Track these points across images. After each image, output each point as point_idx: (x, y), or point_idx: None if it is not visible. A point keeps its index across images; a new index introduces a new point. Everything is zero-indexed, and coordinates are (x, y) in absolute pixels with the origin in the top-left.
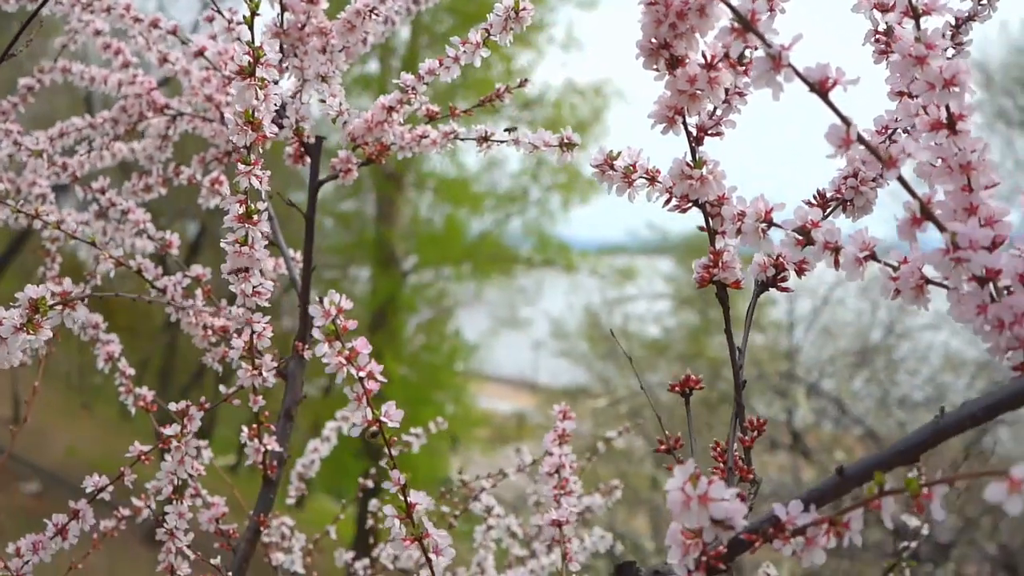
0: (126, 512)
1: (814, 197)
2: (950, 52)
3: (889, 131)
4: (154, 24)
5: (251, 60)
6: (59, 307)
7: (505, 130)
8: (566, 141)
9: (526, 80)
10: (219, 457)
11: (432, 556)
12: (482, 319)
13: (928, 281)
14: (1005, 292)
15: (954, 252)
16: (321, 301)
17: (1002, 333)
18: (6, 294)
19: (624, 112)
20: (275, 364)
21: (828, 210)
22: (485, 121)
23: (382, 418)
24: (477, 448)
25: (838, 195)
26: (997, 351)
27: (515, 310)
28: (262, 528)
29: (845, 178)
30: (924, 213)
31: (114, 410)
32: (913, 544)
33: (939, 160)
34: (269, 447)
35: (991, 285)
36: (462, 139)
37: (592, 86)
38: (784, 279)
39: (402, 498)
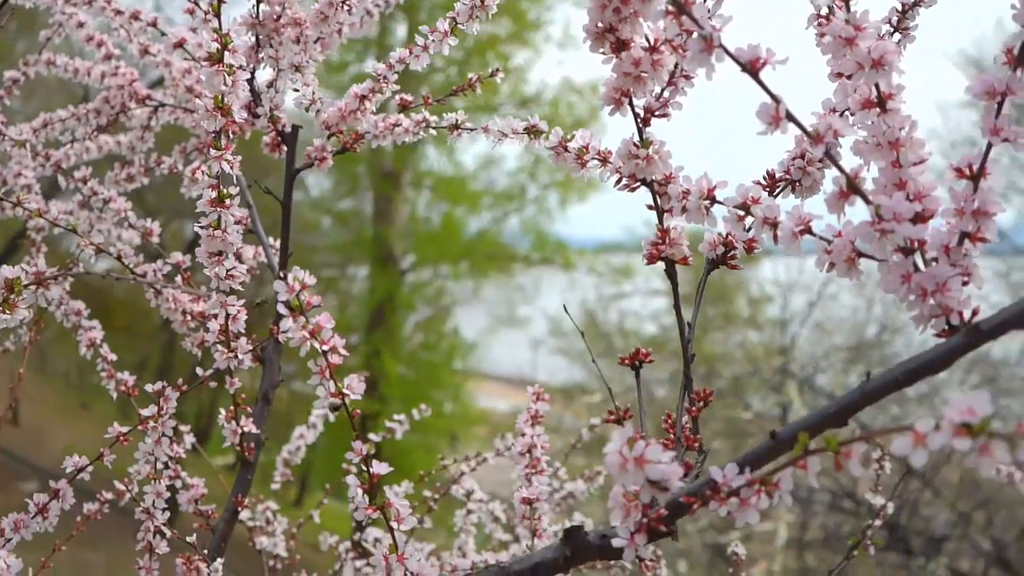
0: (108, 495)
1: (763, 177)
2: (896, 37)
3: (837, 114)
4: (135, 16)
5: (219, 47)
6: (33, 287)
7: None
8: (531, 128)
9: (498, 70)
10: (217, 457)
11: (394, 525)
12: (480, 317)
13: (860, 254)
14: (933, 263)
15: (879, 224)
16: (286, 278)
17: (925, 301)
18: None
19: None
20: (250, 347)
21: (777, 190)
22: (482, 120)
23: (344, 390)
24: (476, 446)
25: (787, 176)
26: (921, 319)
27: (513, 308)
28: (240, 508)
29: (793, 159)
30: (851, 187)
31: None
32: (877, 522)
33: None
34: (246, 429)
35: (916, 256)
36: (434, 127)
37: (589, 84)
38: (733, 257)
39: (364, 468)
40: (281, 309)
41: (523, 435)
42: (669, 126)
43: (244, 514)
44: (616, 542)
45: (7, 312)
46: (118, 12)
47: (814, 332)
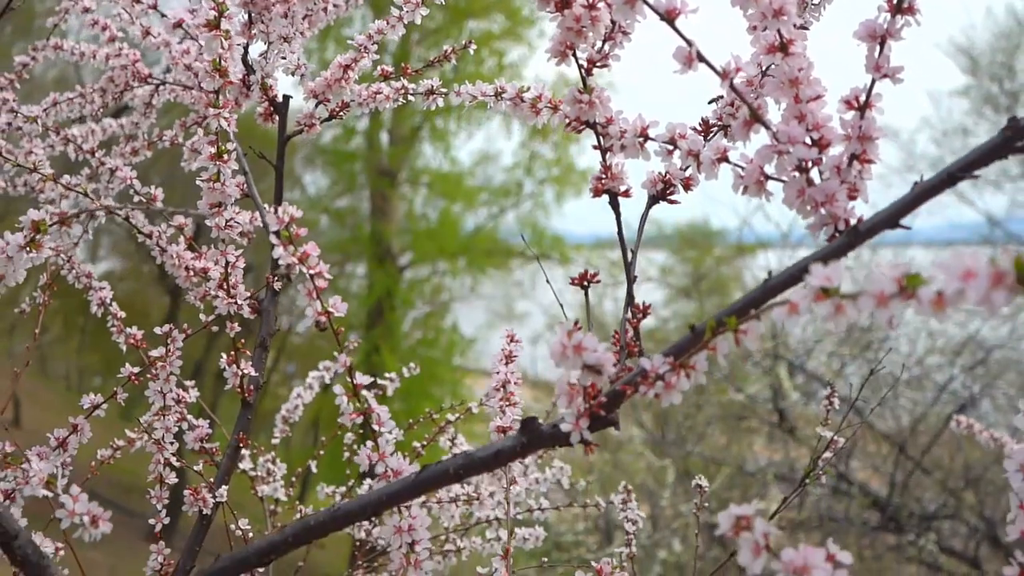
0: (120, 442)
1: (699, 123)
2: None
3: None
4: (136, 0)
5: (216, 14)
6: (57, 225)
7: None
8: (499, 91)
9: (470, 42)
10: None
11: (376, 428)
12: (478, 313)
13: (767, 176)
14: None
15: (777, 146)
16: (276, 211)
17: (817, 211)
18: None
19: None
20: (248, 294)
21: (711, 133)
22: (478, 116)
23: (330, 308)
24: (476, 442)
25: (719, 121)
26: (814, 227)
27: (511, 304)
28: (242, 445)
29: (723, 106)
30: (754, 116)
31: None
32: (828, 454)
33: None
34: (246, 372)
35: (814, 174)
36: (412, 94)
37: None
38: (672, 192)
39: (349, 379)
40: (272, 239)
41: (498, 372)
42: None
43: (246, 464)
44: (563, 427)
45: (34, 251)
46: None
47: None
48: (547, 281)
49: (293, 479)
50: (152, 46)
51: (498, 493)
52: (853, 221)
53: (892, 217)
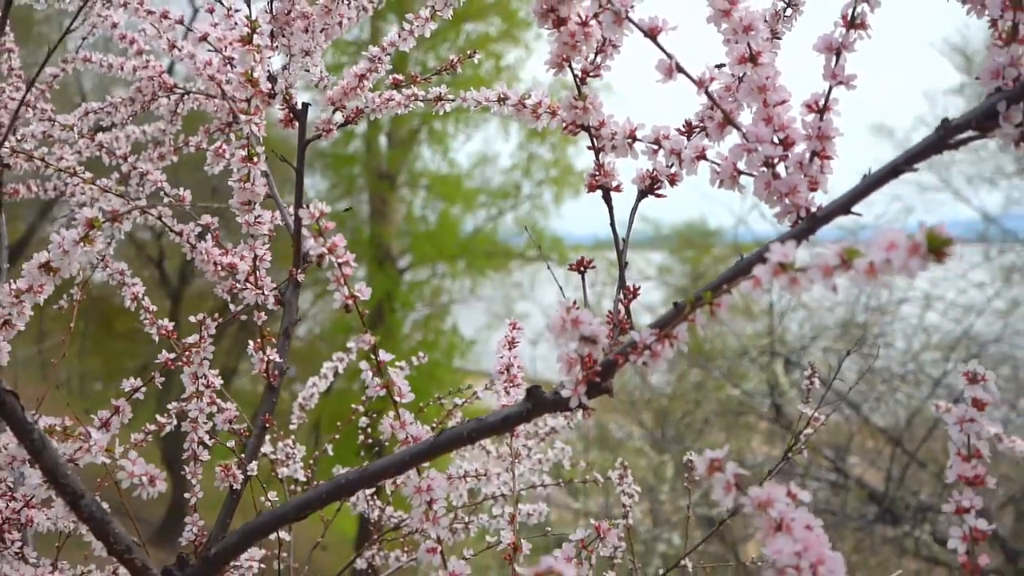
0: (152, 427)
1: (683, 125)
2: (788, 12)
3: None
4: (164, 16)
5: (249, 31)
6: (109, 222)
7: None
8: (502, 97)
9: (474, 52)
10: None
11: (396, 399)
12: (478, 315)
13: (739, 172)
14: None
15: (746, 145)
16: (308, 207)
17: (781, 201)
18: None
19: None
20: (275, 285)
21: (693, 135)
22: (476, 118)
23: (355, 292)
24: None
25: (700, 123)
26: (780, 215)
27: (510, 305)
28: (268, 425)
29: (703, 110)
30: (726, 119)
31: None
32: (809, 430)
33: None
34: (271, 358)
35: (780, 169)
36: (422, 100)
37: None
38: (659, 186)
39: (374, 356)
40: (305, 232)
41: (501, 357)
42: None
43: (267, 448)
44: (564, 393)
45: (88, 245)
46: (149, 12)
47: (803, 313)
48: (553, 278)
49: (312, 461)
50: (177, 58)
51: (504, 475)
52: (813, 209)
53: (845, 205)
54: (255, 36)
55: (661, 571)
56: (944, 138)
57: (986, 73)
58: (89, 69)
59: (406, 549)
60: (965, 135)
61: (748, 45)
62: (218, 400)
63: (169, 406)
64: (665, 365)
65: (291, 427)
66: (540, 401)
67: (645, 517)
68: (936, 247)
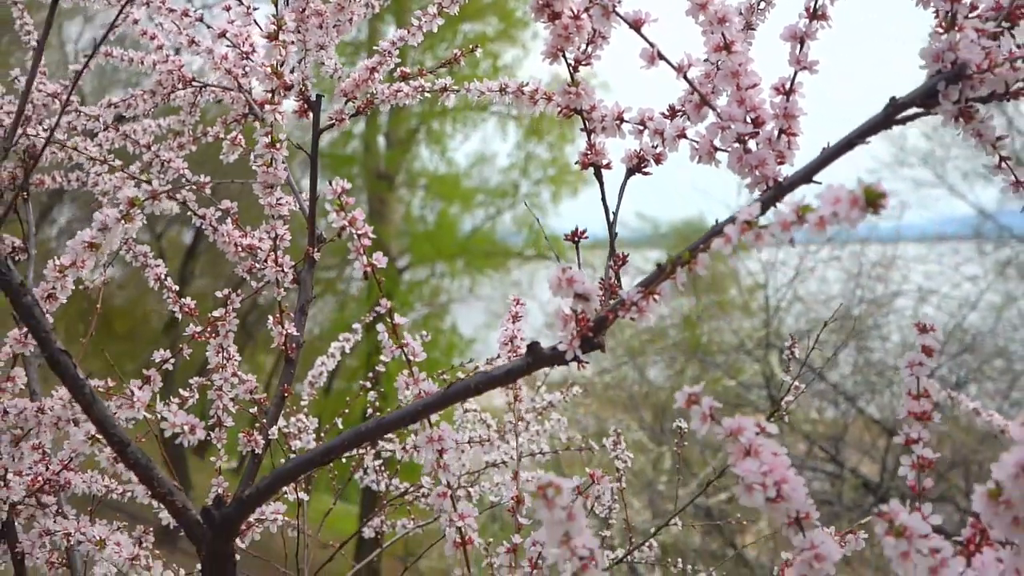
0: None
1: (667, 108)
2: (762, 5)
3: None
4: (184, 14)
5: (276, 27)
6: (149, 200)
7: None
8: (503, 87)
9: (476, 46)
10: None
11: (411, 358)
12: (477, 314)
13: (715, 148)
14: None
15: (720, 124)
16: (330, 182)
17: (752, 173)
18: None
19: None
20: (293, 264)
21: (676, 117)
22: (474, 118)
23: (373, 261)
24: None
25: (682, 107)
26: (751, 185)
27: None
28: (286, 395)
29: (685, 94)
30: (702, 101)
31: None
32: (790, 396)
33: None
34: (289, 331)
35: (752, 144)
36: (427, 92)
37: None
38: (646, 165)
39: (389, 319)
40: (328, 206)
41: (505, 328)
42: None
43: (280, 422)
44: (560, 346)
45: (128, 223)
46: (171, 10)
47: (799, 306)
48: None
49: (323, 434)
50: (196, 52)
51: (504, 447)
52: (780, 179)
53: (806, 175)
54: (280, 32)
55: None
56: (892, 115)
57: (928, 56)
58: (99, 67)
59: (412, 516)
60: (911, 112)
61: (723, 35)
62: (239, 373)
63: (191, 380)
64: (651, 321)
65: (302, 403)
66: (539, 355)
67: (644, 509)
68: (872, 200)
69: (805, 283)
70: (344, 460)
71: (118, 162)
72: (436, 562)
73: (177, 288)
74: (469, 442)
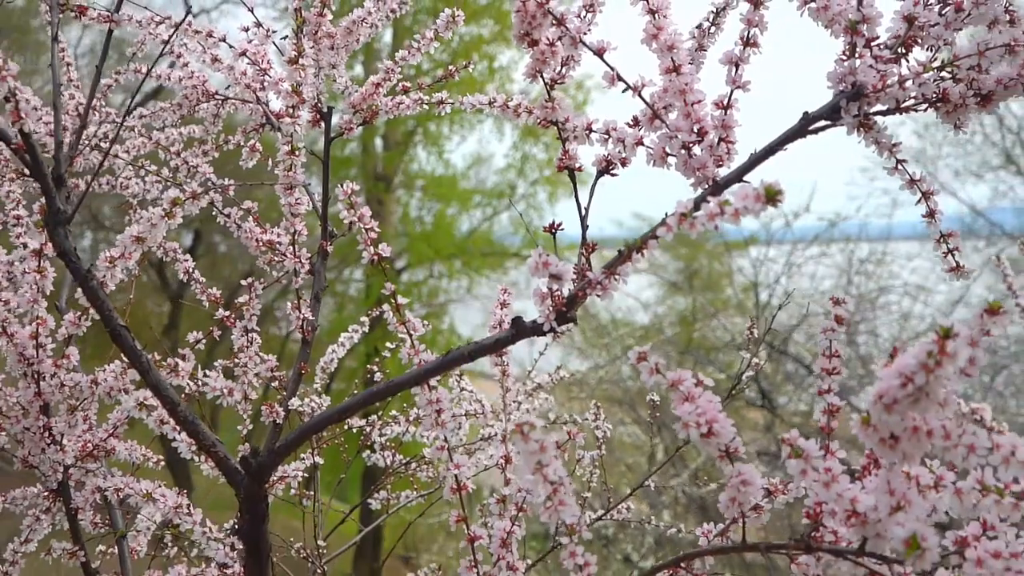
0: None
1: (631, 119)
2: (712, 29)
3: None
4: (209, 34)
5: (296, 53)
6: (190, 199)
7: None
8: (492, 100)
9: (469, 62)
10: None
11: (411, 332)
12: (475, 314)
13: (667, 153)
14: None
15: (669, 133)
16: (340, 185)
17: (696, 175)
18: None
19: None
20: (309, 255)
21: (637, 127)
22: (470, 119)
23: (379, 252)
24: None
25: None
26: (695, 184)
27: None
28: (303, 372)
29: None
30: (654, 114)
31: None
32: (750, 373)
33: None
34: (306, 316)
35: (696, 150)
36: (427, 104)
37: (574, 81)
38: (613, 168)
39: (393, 300)
40: (339, 205)
41: (494, 315)
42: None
43: (294, 401)
44: (539, 319)
45: (169, 219)
46: (196, 32)
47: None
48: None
49: None
50: (219, 69)
51: (497, 425)
52: (719, 179)
53: (738, 176)
54: (301, 57)
55: (654, 555)
56: (805, 126)
57: (833, 78)
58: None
59: (415, 488)
60: (821, 124)
61: (671, 59)
62: (260, 353)
63: (215, 363)
64: (613, 297)
65: (315, 386)
66: (522, 327)
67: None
68: (771, 196)
69: (796, 280)
70: (354, 431)
71: (153, 166)
72: (436, 558)
73: (204, 280)
74: (465, 414)
